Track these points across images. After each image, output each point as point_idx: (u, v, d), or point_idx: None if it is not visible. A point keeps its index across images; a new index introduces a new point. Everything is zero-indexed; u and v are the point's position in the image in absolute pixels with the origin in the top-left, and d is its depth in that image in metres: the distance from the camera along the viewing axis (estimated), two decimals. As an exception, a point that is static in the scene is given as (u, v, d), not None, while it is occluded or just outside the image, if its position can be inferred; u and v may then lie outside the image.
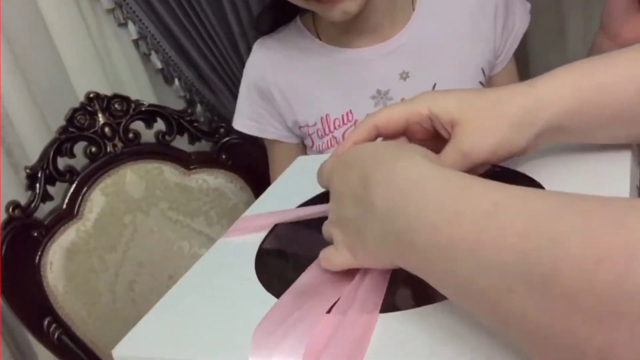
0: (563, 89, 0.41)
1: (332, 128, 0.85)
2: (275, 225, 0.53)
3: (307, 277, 0.42)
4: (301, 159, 0.67)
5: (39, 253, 1.00)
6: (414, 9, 0.84)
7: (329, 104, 0.85)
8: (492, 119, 0.42)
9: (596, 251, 0.25)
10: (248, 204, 1.14)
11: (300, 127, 0.88)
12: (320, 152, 0.87)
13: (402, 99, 0.82)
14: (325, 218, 0.45)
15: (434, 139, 0.47)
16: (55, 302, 1.01)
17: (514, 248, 0.27)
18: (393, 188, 0.35)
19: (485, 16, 0.83)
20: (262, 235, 0.52)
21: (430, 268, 0.33)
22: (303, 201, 0.57)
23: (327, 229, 0.43)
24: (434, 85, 0.82)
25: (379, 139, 0.47)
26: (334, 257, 0.41)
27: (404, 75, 0.83)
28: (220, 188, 1.12)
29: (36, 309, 1.00)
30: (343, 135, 0.84)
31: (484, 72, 0.85)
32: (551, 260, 0.26)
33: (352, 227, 0.39)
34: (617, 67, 0.42)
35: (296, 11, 0.90)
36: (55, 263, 1.00)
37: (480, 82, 0.85)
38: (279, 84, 0.87)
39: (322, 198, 0.56)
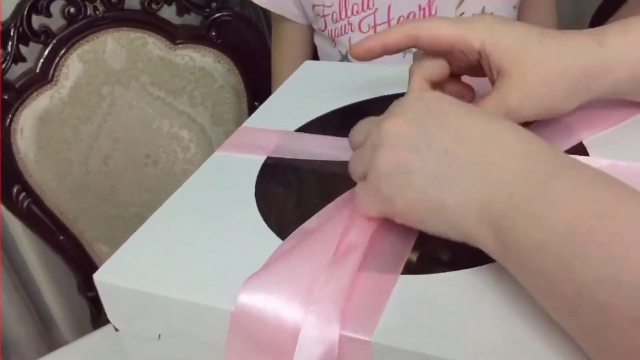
0: (634, 49, 0.36)
1: (349, 13, 0.78)
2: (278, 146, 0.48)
3: (318, 220, 0.38)
4: (308, 64, 0.61)
5: (9, 117, 0.93)
6: None
7: None
8: (550, 80, 0.37)
9: None
10: (235, 88, 1.08)
11: (314, 6, 0.81)
12: (332, 38, 0.81)
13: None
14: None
15: (472, 71, 0.41)
16: (25, 170, 0.96)
17: None
18: (531, 156, 0.31)
19: None
20: (262, 155, 0.48)
21: (542, 252, 0.28)
22: (309, 115, 0.52)
23: (356, 161, 0.37)
24: (483, 9, 0.76)
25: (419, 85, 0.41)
26: (361, 198, 0.36)
27: None
28: (206, 67, 1.04)
29: (4, 175, 0.95)
30: (360, 23, 0.78)
31: None
32: None
33: (431, 160, 0.33)
34: None
35: None
36: (27, 129, 0.94)
37: None
38: None
39: (330, 119, 0.51)
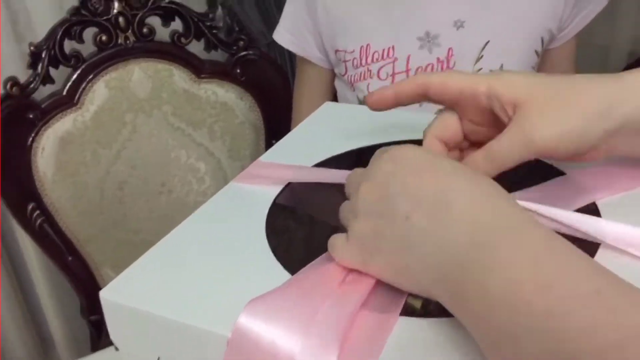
0: None
1: (369, 60, 0.80)
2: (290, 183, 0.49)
3: (322, 260, 0.39)
4: (328, 105, 0.63)
5: (32, 136, 0.95)
6: None
7: (372, 34, 0.80)
8: (565, 104, 0.37)
9: None
10: (254, 125, 1.10)
11: (336, 52, 0.84)
12: (352, 83, 0.83)
13: (450, 49, 0.77)
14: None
15: (487, 125, 0.42)
16: (42, 188, 0.97)
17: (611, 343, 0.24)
18: (479, 220, 0.31)
19: None
20: (276, 188, 0.48)
21: (488, 319, 0.29)
22: (325, 153, 0.52)
23: (344, 213, 0.39)
24: (487, 42, 0.77)
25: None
26: (340, 249, 0.37)
27: (458, 24, 0.78)
28: (228, 103, 1.06)
29: (22, 192, 0.96)
30: (379, 71, 0.79)
31: (542, 42, 0.79)
32: None
33: (395, 226, 0.34)
34: None
35: None
36: (48, 149, 0.96)
37: (536, 51, 0.80)
38: (327, 1, 0.83)
39: (345, 159, 0.52)
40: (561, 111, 0.37)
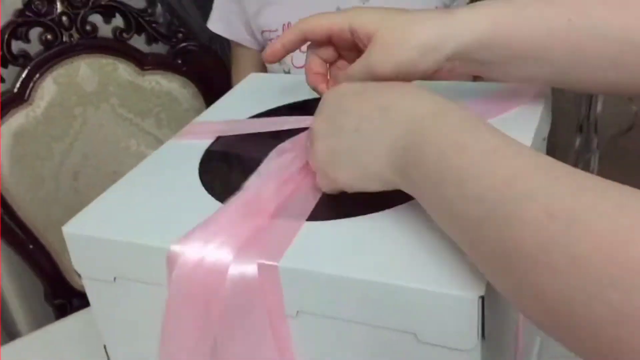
0: (478, 18, 0.45)
1: None
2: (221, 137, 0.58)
3: (251, 184, 0.47)
4: (254, 76, 0.71)
5: (-14, 133, 1.01)
6: None
7: (292, 13, 0.91)
8: (401, 38, 0.46)
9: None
10: (199, 111, 1.17)
11: (262, 32, 0.93)
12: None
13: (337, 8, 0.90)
14: (273, 134, 0.51)
15: (357, 52, 0.51)
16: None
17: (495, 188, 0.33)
18: (412, 113, 0.40)
19: None
20: (209, 140, 0.57)
21: (427, 189, 0.38)
22: (251, 112, 0.61)
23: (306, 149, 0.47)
24: None
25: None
26: (322, 183, 0.45)
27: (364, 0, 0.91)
28: (172, 92, 1.14)
29: (-20, 187, 1.02)
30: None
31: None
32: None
33: (347, 139, 0.42)
34: (532, 7, 0.45)
35: None
36: (3, 145, 1.02)
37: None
38: None
39: (270, 114, 0.61)
40: (398, 44, 0.46)
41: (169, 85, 1.14)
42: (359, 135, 0.42)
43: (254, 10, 0.92)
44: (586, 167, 0.70)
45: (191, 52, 1.14)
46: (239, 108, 0.62)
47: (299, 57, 0.89)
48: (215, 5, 0.98)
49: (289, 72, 0.92)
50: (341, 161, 0.43)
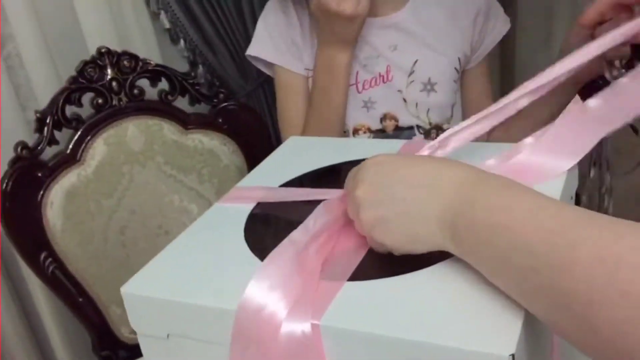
0: None
1: None
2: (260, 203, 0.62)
3: (298, 239, 0.51)
4: (293, 139, 0.76)
5: (42, 192, 1.07)
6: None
7: None
8: None
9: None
10: (238, 167, 1.23)
11: (305, 69, 0.99)
12: None
13: (388, 66, 0.98)
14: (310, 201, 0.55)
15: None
16: (52, 238, 1.09)
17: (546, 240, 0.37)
18: (459, 181, 0.45)
19: (468, 14, 0.98)
20: (251, 205, 0.61)
21: (479, 248, 0.42)
22: (288, 176, 0.65)
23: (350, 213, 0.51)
24: (416, 61, 0.97)
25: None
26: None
27: (393, 47, 0.98)
28: (214, 149, 1.20)
29: (34, 244, 1.08)
30: None
31: (459, 61, 0.99)
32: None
33: (396, 207, 0.46)
34: None
35: None
36: (56, 203, 1.08)
37: (455, 69, 0.99)
38: (301, 19, 1.01)
39: (306, 180, 0.65)
40: None
41: (211, 143, 1.20)
42: (408, 203, 0.46)
43: (303, 43, 1.00)
44: (601, 202, 0.75)
45: (231, 111, 1.20)
46: (278, 172, 0.67)
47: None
48: (256, 34, 1.05)
49: (345, 132, 0.98)
50: (391, 228, 0.47)
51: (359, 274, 0.48)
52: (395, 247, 0.48)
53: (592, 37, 0.81)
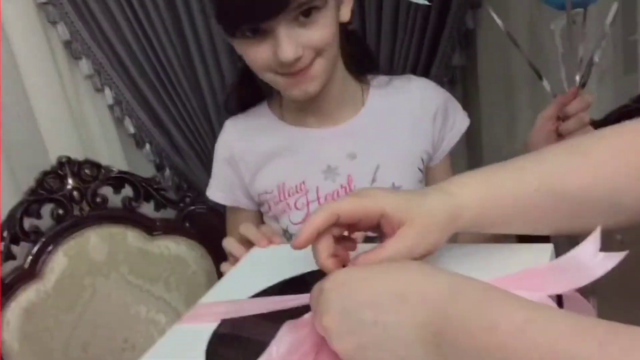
0: (476, 196, 0.52)
1: (286, 195, 0.94)
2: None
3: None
4: (254, 251, 0.73)
5: (-3, 312, 1.01)
6: (363, 103, 0.95)
7: (285, 174, 0.94)
8: (430, 223, 0.51)
9: None
10: (207, 272, 1.18)
11: (259, 195, 0.96)
12: (276, 217, 0.94)
13: (349, 176, 0.93)
14: (276, 314, 0.50)
15: (369, 229, 0.53)
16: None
17: None
18: (431, 297, 0.42)
19: (426, 114, 0.95)
20: (215, 323, 0.56)
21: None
22: (255, 289, 0.61)
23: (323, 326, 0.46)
24: (377, 167, 0.92)
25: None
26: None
27: (352, 156, 0.93)
28: (181, 255, 1.15)
29: (-12, 367, 1.00)
30: (295, 203, 0.92)
31: (422, 160, 0.96)
32: None
33: (369, 333, 0.43)
34: (516, 175, 0.54)
35: (262, 95, 0.99)
36: (12, 322, 1.02)
37: (419, 168, 0.95)
38: (245, 157, 0.96)
39: (270, 292, 0.61)
40: (431, 229, 0.51)
41: (178, 249, 1.15)
42: (381, 327, 0.42)
43: (249, 178, 0.96)
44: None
45: (199, 214, 1.17)
46: (242, 285, 0.63)
47: (295, 214, 0.91)
48: (213, 175, 1.02)
49: (286, 230, 0.93)
50: (371, 355, 0.43)
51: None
52: None
53: (556, 132, 0.81)
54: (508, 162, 0.55)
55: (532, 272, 0.50)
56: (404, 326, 0.42)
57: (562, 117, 0.82)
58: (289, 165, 0.94)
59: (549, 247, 0.55)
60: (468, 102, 1.14)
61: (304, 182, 0.93)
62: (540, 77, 0.87)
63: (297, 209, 0.93)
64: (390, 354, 0.42)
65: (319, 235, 0.52)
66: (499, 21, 0.88)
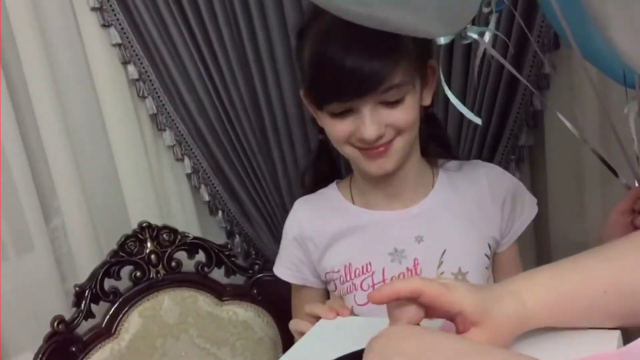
0: (545, 302, 0.55)
1: (353, 276, 0.95)
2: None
3: None
4: (321, 323, 0.75)
5: (74, 368, 1.06)
6: (433, 186, 0.96)
7: (352, 255, 0.95)
8: (501, 330, 0.54)
9: None
10: (272, 339, 1.20)
11: (326, 274, 0.97)
12: (341, 295, 0.96)
13: (415, 259, 0.93)
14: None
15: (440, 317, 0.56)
16: (81, 416, 1.06)
17: None
18: None
19: (494, 201, 0.95)
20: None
21: None
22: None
23: None
24: (444, 251, 0.92)
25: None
26: None
27: (419, 239, 0.93)
28: (248, 321, 1.18)
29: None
30: (361, 284, 0.93)
31: (489, 247, 0.95)
32: None
33: None
34: (585, 279, 0.56)
35: (338, 172, 1.02)
36: (87, 379, 1.07)
37: (486, 255, 0.94)
38: (314, 237, 0.98)
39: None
40: (500, 332, 0.54)
41: (245, 314, 1.19)
42: None
43: (318, 257, 0.98)
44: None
45: (266, 282, 1.21)
46: (309, 355, 0.65)
47: (361, 294, 0.93)
48: (280, 252, 1.04)
49: (351, 310, 0.95)
50: None
51: None
52: None
53: (632, 224, 0.80)
54: (578, 262, 0.57)
55: (601, 358, 0.51)
56: None
57: (637, 210, 0.81)
58: (356, 246, 0.95)
59: (616, 334, 0.56)
60: (536, 182, 1.14)
61: (370, 264, 0.94)
62: (616, 175, 0.86)
63: (362, 289, 0.94)
64: None
65: (393, 301, 0.55)
66: (568, 124, 0.87)
